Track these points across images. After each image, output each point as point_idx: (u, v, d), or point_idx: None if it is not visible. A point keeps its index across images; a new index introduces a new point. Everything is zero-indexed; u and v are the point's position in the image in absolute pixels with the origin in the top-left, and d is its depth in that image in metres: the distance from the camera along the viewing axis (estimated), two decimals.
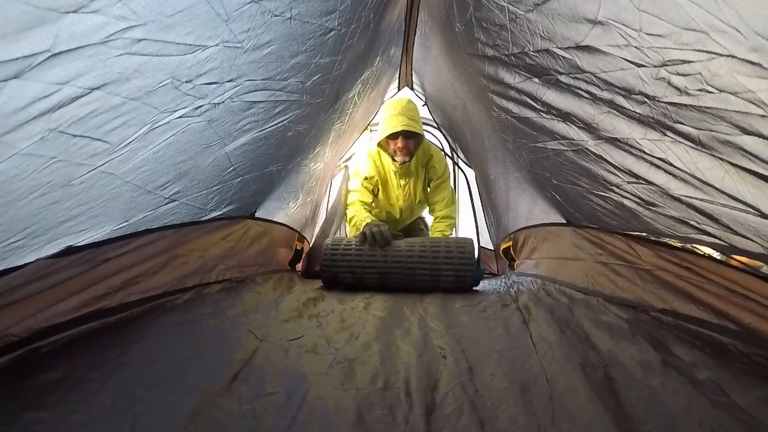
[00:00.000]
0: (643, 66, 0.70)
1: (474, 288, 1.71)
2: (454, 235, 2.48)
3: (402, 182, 2.24)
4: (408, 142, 2.06)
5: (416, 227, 2.67)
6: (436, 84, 2.24)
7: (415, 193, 2.29)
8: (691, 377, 0.73)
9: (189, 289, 1.18)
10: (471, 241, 1.73)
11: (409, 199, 2.30)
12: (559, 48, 0.87)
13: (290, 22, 0.90)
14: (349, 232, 2.28)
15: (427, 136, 2.65)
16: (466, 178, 2.93)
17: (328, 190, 2.75)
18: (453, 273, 1.62)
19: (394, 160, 2.14)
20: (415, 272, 1.62)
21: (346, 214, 2.24)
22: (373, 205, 2.27)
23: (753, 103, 0.58)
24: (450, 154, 2.79)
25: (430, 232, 2.39)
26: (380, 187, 2.30)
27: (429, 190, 2.34)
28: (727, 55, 0.57)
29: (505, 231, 2.19)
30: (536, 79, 1.03)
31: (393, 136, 2.04)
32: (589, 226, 1.35)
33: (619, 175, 0.98)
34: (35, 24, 0.45)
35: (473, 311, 1.26)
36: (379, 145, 2.14)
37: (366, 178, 2.21)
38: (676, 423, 0.62)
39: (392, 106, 2.07)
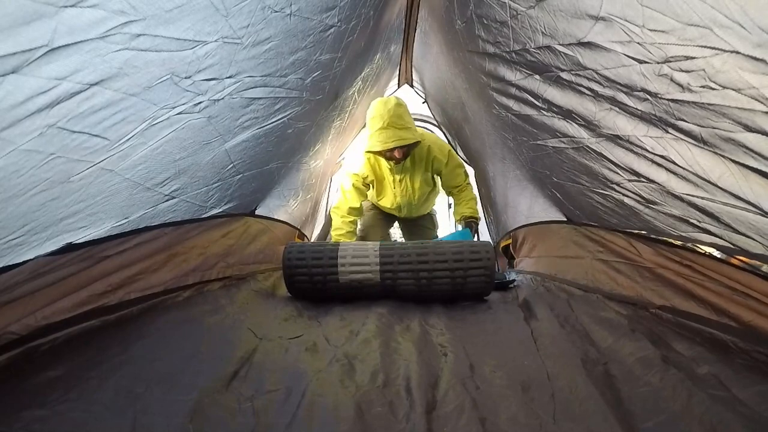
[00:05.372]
0: (645, 62, 0.70)
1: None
2: (480, 209, 2.40)
3: (398, 178, 2.17)
4: (402, 148, 1.94)
5: (422, 226, 2.57)
6: (436, 81, 2.23)
7: (414, 188, 2.20)
8: (691, 372, 0.73)
9: (189, 287, 1.18)
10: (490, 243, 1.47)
11: (407, 195, 2.23)
12: (560, 45, 0.86)
13: (290, 18, 0.90)
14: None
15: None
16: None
17: (328, 188, 2.75)
18: (481, 277, 1.32)
19: (388, 160, 2.04)
20: (432, 276, 1.31)
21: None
22: (361, 206, 2.25)
23: (756, 100, 0.57)
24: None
25: (455, 216, 2.35)
26: (375, 185, 2.24)
27: (441, 180, 2.29)
28: (731, 51, 0.56)
29: (504, 229, 2.19)
30: (537, 76, 1.02)
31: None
32: (590, 223, 1.35)
33: (620, 173, 0.97)
34: (33, 18, 0.45)
35: (473, 309, 1.26)
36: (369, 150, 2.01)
37: (357, 175, 2.16)
38: (677, 419, 0.62)
39: (378, 115, 1.86)
